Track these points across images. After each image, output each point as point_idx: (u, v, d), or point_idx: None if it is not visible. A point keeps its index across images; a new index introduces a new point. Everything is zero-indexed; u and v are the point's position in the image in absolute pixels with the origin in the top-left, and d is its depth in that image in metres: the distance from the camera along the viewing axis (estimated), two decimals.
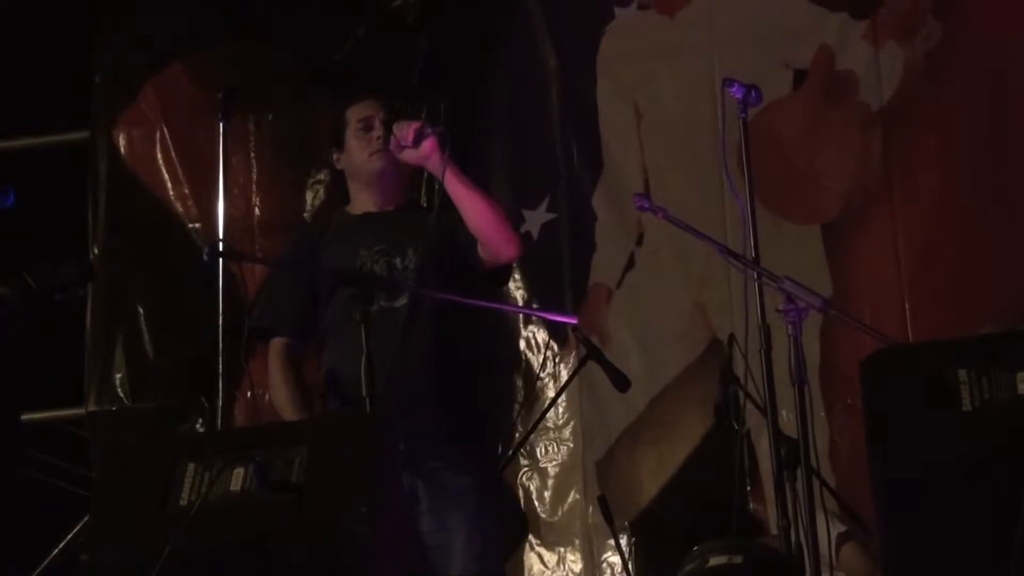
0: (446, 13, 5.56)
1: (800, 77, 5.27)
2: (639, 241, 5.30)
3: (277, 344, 3.90)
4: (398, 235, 3.85)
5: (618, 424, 5.17)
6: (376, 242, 3.85)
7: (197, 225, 5.67)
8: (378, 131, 3.89)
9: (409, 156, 3.80)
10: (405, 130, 3.77)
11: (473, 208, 3.75)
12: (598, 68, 5.47)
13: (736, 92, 3.84)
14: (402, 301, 3.75)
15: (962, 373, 2.74)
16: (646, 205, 3.98)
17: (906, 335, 4.92)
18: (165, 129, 5.74)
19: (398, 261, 3.81)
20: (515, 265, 4.32)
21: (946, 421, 2.73)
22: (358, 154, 3.92)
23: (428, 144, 3.74)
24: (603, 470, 5.19)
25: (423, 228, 3.82)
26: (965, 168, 5.07)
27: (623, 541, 5.01)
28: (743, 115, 3.84)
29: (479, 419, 4.11)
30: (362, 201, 3.97)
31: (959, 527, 2.72)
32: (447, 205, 3.83)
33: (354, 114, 3.96)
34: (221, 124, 4.11)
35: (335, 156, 4.00)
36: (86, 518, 4.22)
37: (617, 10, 5.49)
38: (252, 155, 5.68)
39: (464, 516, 3.71)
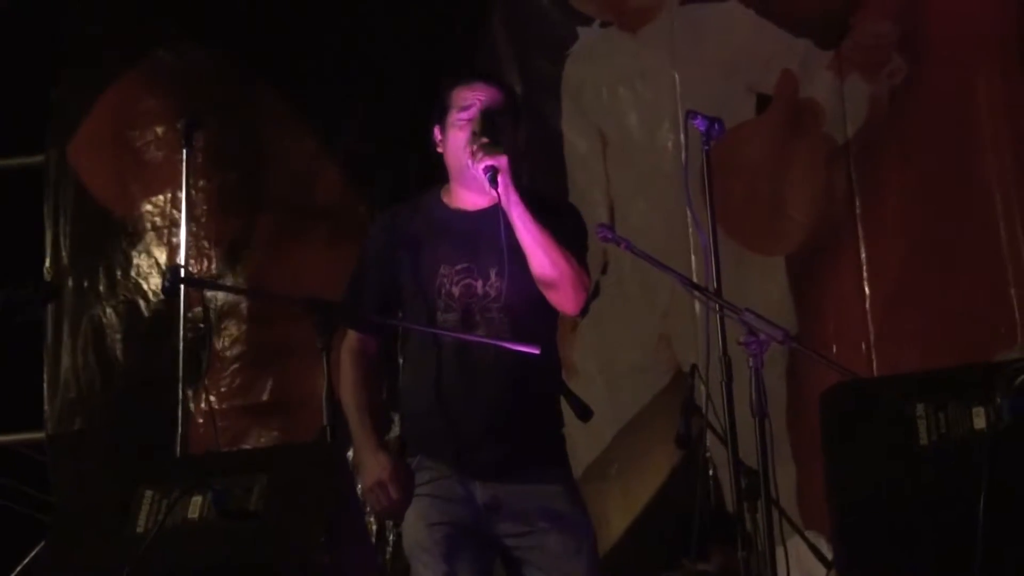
0: (410, 39, 5.56)
1: (763, 101, 5.24)
2: (604, 270, 5.29)
3: (350, 338, 3.55)
4: (480, 251, 3.46)
5: (585, 457, 5.03)
6: (457, 259, 3.46)
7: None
8: (475, 124, 3.43)
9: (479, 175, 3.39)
10: (480, 157, 3.35)
11: (533, 254, 3.37)
12: (563, 94, 5.46)
13: (699, 125, 3.82)
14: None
15: (919, 407, 2.76)
16: (609, 235, 3.92)
17: (871, 372, 4.87)
18: (119, 145, 5.71)
19: (479, 285, 3.44)
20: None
21: (903, 455, 2.75)
22: (455, 147, 3.47)
23: (501, 181, 3.34)
24: None
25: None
26: (931, 205, 5.04)
27: None
28: (706, 148, 3.82)
29: None
30: (458, 195, 3.55)
31: (915, 561, 2.73)
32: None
33: (458, 98, 3.49)
34: (184, 152, 4.11)
35: (437, 137, 3.54)
36: (43, 543, 4.18)
37: (580, 30, 5.47)
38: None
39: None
